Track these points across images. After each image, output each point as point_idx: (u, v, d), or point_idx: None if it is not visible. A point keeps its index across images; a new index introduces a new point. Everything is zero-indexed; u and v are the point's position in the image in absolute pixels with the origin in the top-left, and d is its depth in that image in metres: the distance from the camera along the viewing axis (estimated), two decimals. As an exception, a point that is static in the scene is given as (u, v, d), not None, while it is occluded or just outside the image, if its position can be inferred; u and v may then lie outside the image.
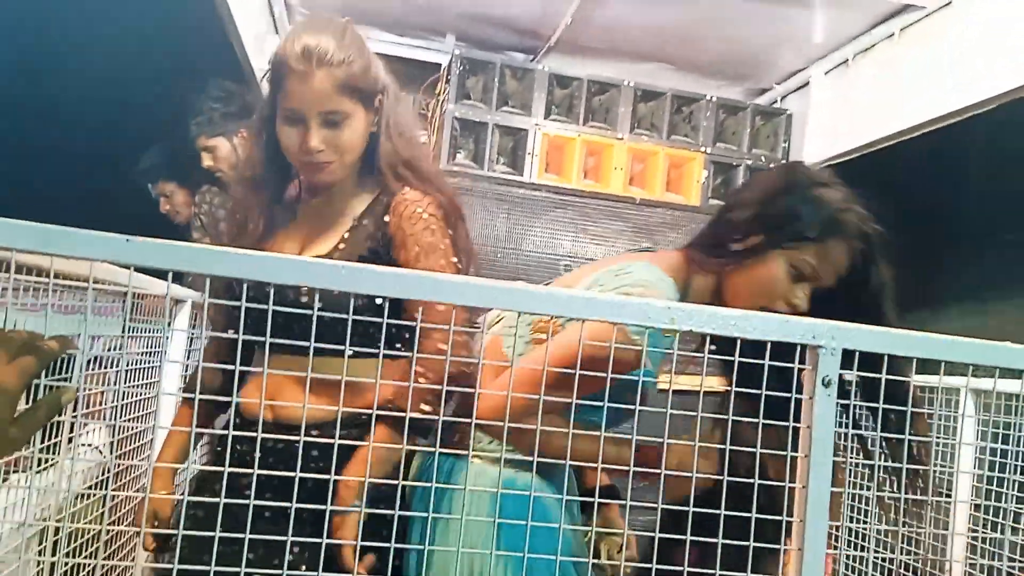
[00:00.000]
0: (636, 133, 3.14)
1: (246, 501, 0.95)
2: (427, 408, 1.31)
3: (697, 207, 3.14)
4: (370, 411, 1.27)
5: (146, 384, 2.08)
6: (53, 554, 1.61)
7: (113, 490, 1.89)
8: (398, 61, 3.49)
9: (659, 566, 1.04)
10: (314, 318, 0.97)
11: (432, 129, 3.26)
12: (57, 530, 1.64)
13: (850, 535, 2.46)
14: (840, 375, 1.03)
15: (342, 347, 0.95)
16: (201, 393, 1.40)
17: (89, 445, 2.06)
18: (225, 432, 1.36)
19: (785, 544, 1.02)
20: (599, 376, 1.02)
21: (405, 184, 1.47)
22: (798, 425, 1.03)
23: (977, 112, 2.41)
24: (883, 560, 2.23)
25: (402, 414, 1.23)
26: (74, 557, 1.72)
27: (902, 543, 1.32)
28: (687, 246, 1.53)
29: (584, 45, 3.21)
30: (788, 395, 1.04)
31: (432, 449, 1.34)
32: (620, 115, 3.12)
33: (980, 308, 4.84)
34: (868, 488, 1.63)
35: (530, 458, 1.26)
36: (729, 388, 1.10)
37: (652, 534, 1.18)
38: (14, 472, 1.45)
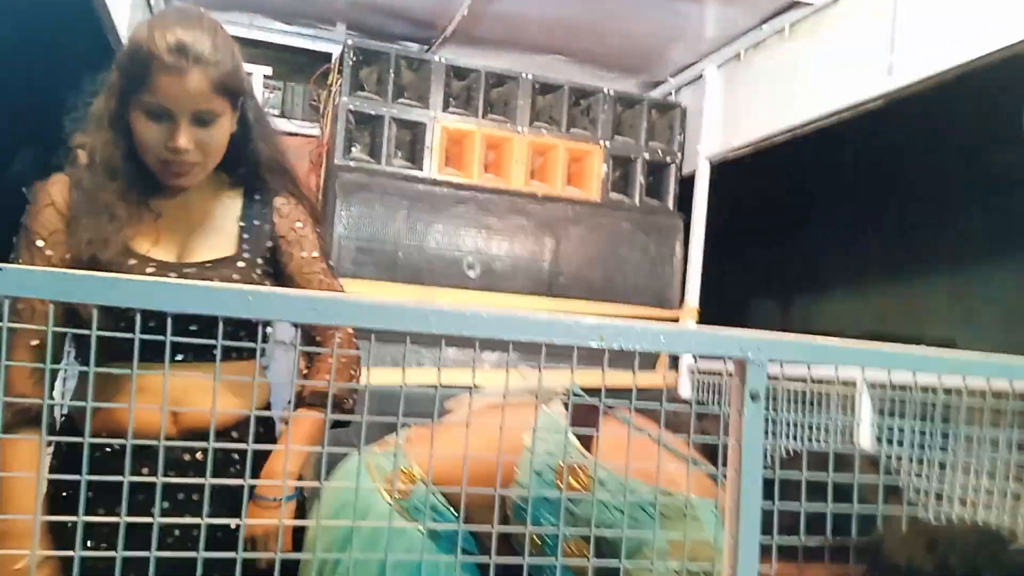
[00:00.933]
0: (535, 126, 3.10)
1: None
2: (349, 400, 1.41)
3: (598, 201, 3.14)
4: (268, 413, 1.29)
5: None
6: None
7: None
8: (286, 50, 3.35)
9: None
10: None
11: (324, 122, 3.13)
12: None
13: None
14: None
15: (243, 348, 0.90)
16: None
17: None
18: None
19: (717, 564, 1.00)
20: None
21: (280, 188, 1.49)
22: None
23: (867, 108, 2.49)
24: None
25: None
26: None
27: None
28: None
29: (480, 36, 3.15)
30: (716, 411, 1.02)
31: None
32: (519, 108, 3.07)
33: (859, 290, 5.08)
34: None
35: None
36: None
37: None
38: None
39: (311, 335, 1.42)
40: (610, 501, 1.27)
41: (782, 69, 2.82)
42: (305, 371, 1.47)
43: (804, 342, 1.04)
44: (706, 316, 3.20)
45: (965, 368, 1.11)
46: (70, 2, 2.11)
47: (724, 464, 1.01)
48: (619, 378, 1.03)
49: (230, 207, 1.46)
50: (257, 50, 3.23)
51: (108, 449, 1.20)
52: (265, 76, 3.10)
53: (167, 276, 1.32)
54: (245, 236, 1.44)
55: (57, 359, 1.33)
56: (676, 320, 3.14)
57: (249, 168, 1.46)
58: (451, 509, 1.32)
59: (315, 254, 1.48)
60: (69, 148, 1.41)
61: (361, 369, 1.46)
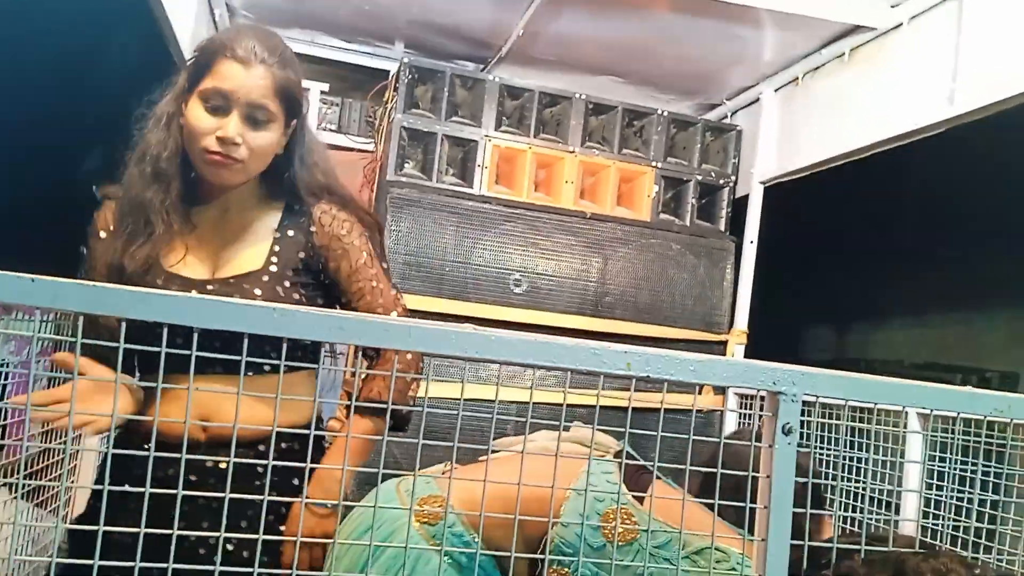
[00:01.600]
0: (587, 146, 3.10)
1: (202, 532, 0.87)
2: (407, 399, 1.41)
3: (648, 222, 3.11)
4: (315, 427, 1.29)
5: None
6: None
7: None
8: (345, 67, 3.42)
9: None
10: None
11: (379, 138, 3.18)
12: None
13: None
14: (801, 422, 0.99)
15: (277, 362, 0.89)
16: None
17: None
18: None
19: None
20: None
21: (326, 200, 1.49)
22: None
23: (925, 135, 2.43)
24: None
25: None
26: None
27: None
28: None
29: (535, 56, 3.17)
30: (748, 443, 1.00)
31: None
32: (571, 128, 3.07)
33: (919, 320, 4.95)
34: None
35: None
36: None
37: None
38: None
39: None
40: (660, 553, 1.25)
41: (840, 94, 2.78)
42: (364, 375, 1.47)
43: (840, 376, 1.01)
44: (757, 341, 3.15)
45: (1012, 409, 1.07)
46: (131, 16, 2.18)
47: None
48: (665, 398, 1.02)
49: (268, 219, 1.47)
50: (316, 66, 3.30)
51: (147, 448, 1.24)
52: (322, 92, 3.17)
53: (191, 293, 1.36)
54: (276, 248, 1.44)
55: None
56: (724, 344, 3.10)
57: (291, 188, 1.48)
58: (479, 540, 1.30)
59: (362, 261, 1.46)
60: (131, 150, 1.45)
61: (420, 371, 1.46)
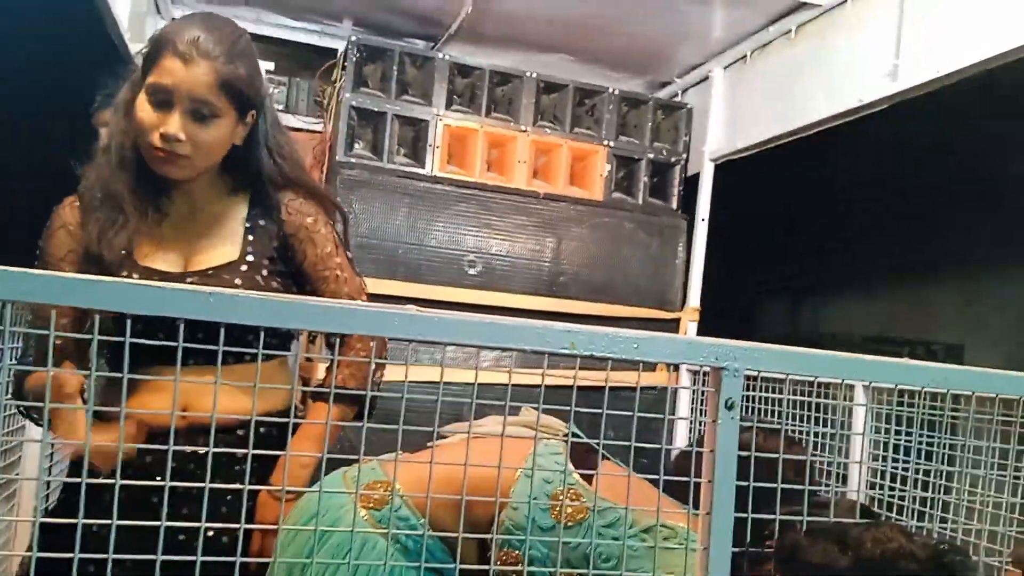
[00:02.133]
0: (539, 125, 3.09)
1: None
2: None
3: (600, 201, 3.12)
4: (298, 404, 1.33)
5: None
6: None
7: None
8: (292, 45, 3.35)
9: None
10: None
11: (328, 118, 3.13)
12: None
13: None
14: (743, 396, 1.00)
15: (253, 351, 0.91)
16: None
17: None
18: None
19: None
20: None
21: (291, 187, 1.49)
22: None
23: (870, 112, 2.46)
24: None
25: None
26: None
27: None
28: None
29: (486, 34, 3.14)
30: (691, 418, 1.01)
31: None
32: (523, 107, 3.06)
33: (869, 293, 5.05)
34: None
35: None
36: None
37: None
38: None
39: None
40: (608, 531, 1.26)
41: (788, 71, 2.80)
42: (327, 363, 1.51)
43: (781, 351, 1.02)
44: (711, 318, 3.19)
45: (948, 381, 1.09)
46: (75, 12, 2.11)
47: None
48: (620, 377, 1.03)
49: (236, 209, 1.47)
50: (263, 45, 3.23)
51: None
52: (267, 71, 3.10)
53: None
54: (250, 238, 1.44)
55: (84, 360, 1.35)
56: (677, 321, 3.12)
57: (257, 180, 1.47)
58: (426, 523, 1.30)
59: (327, 250, 1.48)
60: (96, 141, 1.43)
61: (385, 356, 1.50)
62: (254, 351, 0.87)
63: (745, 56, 3.03)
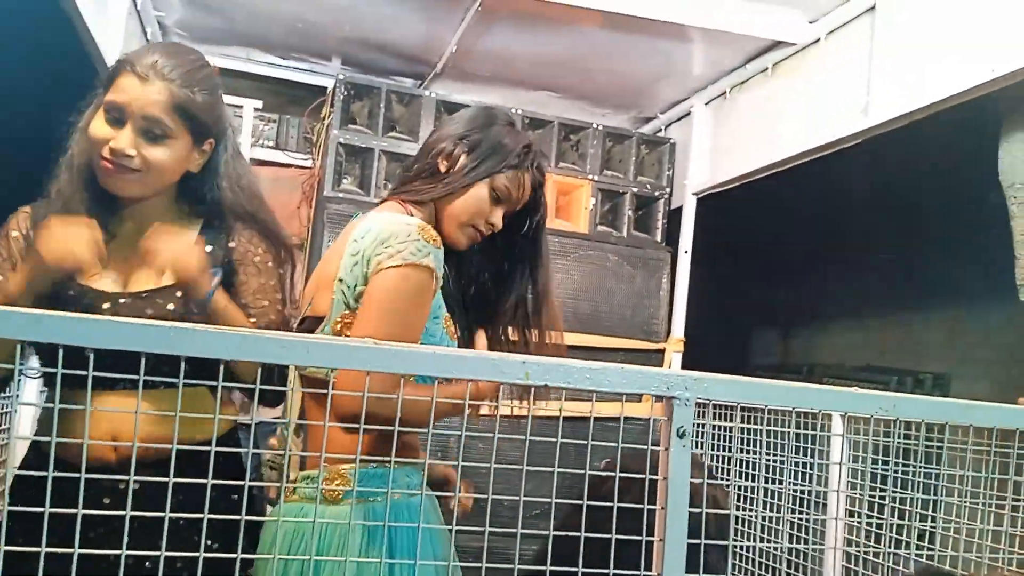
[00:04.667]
0: (524, 160, 3.14)
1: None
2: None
3: (586, 234, 3.16)
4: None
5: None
6: None
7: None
8: (282, 83, 3.43)
9: None
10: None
11: (317, 154, 3.19)
12: None
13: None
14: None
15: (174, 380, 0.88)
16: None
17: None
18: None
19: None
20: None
21: (248, 219, 1.51)
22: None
23: (847, 145, 2.52)
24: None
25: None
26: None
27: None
28: (393, 192, 1.64)
29: (471, 72, 3.21)
30: (644, 447, 1.04)
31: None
32: (508, 142, 3.11)
33: (859, 323, 5.08)
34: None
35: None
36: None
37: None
38: None
39: None
40: None
41: (766, 107, 2.86)
42: None
43: (733, 380, 1.06)
44: (698, 349, 3.22)
45: (897, 409, 1.12)
46: (60, 40, 2.17)
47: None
48: (608, 408, 1.07)
49: (184, 236, 1.46)
50: (252, 83, 3.31)
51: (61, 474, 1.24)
52: (256, 109, 3.17)
53: (103, 306, 1.36)
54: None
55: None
56: (662, 352, 3.16)
57: (213, 209, 1.48)
58: None
59: (272, 281, 1.48)
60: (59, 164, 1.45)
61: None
62: (173, 380, 0.88)
63: (725, 92, 3.09)
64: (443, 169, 1.56)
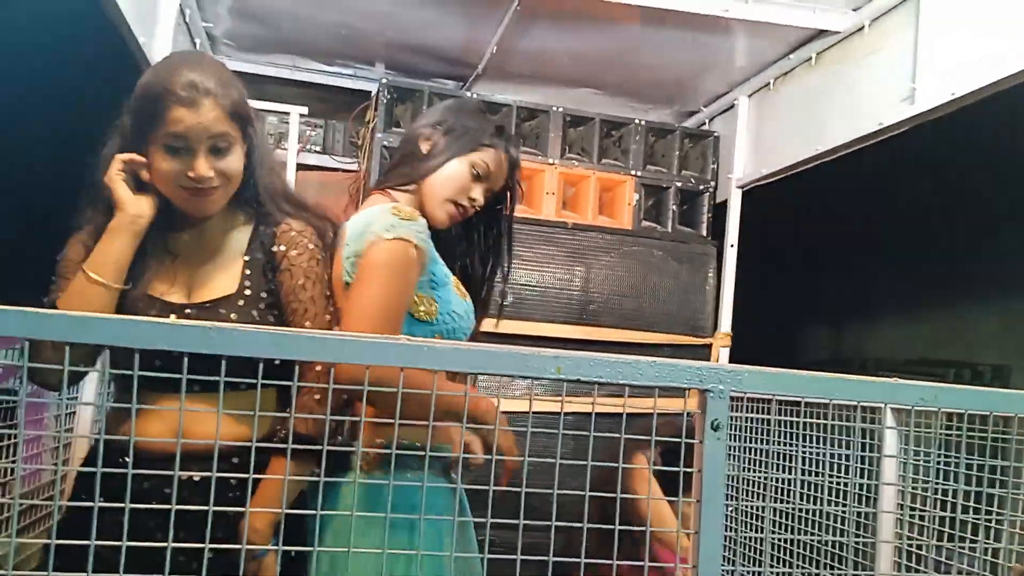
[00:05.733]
0: (567, 158, 3.15)
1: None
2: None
3: (629, 230, 3.16)
4: (272, 443, 1.32)
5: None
6: None
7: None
8: (327, 89, 3.49)
9: None
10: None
11: (362, 157, 3.24)
12: None
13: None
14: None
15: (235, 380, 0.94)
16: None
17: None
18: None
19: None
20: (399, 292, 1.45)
21: (286, 215, 1.52)
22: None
23: (894, 134, 2.47)
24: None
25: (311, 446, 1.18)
26: None
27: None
28: (378, 185, 1.73)
29: (512, 72, 3.23)
30: (678, 439, 1.05)
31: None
32: (550, 140, 3.13)
33: (911, 316, 4.97)
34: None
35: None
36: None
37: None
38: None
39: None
40: None
41: (810, 97, 2.83)
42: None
43: (768, 373, 1.06)
44: (745, 344, 3.19)
45: (938, 399, 1.11)
46: (113, 54, 2.23)
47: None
48: (643, 404, 1.09)
49: (238, 241, 1.50)
50: (298, 89, 3.38)
51: (122, 461, 1.30)
52: (302, 115, 3.23)
53: (170, 318, 1.40)
54: (247, 272, 1.47)
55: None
56: (709, 347, 3.14)
57: (255, 197, 1.50)
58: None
59: (300, 281, 1.47)
60: (94, 188, 1.48)
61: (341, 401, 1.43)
62: (250, 380, 0.92)
63: (769, 84, 3.06)
64: (424, 151, 1.66)
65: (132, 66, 2.30)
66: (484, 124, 1.70)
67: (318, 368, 1.35)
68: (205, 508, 1.01)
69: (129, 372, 0.90)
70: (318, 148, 3.41)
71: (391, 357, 0.94)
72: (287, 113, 3.17)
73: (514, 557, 0.99)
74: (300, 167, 3.28)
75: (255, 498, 1.34)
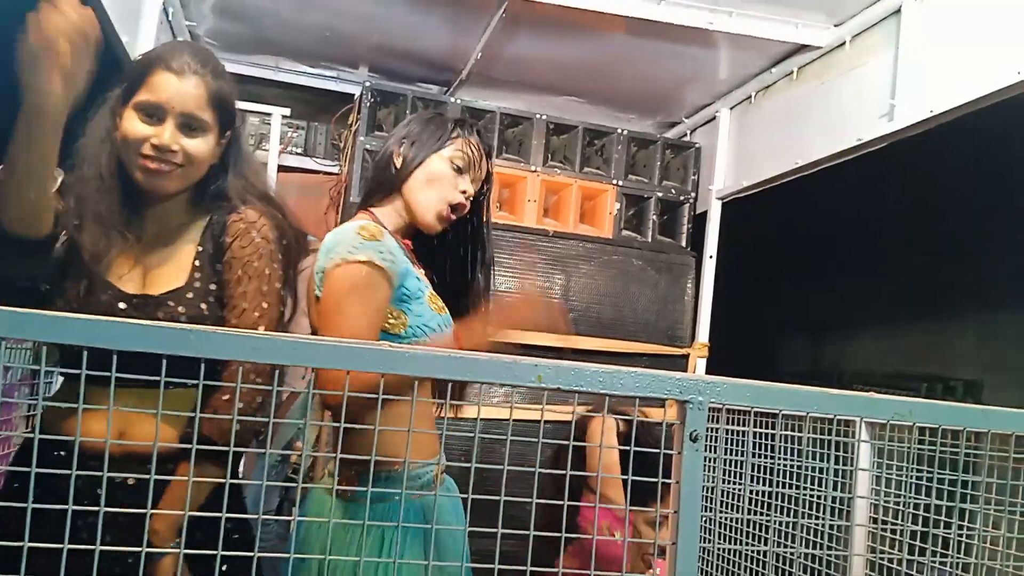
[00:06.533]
0: (549, 166, 3.16)
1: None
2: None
3: (610, 238, 3.17)
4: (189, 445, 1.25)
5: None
6: None
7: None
8: (310, 91, 3.47)
9: None
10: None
11: (344, 160, 3.23)
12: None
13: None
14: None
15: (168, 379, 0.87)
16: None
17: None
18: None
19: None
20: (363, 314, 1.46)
21: (243, 204, 1.48)
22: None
23: (873, 149, 2.50)
24: None
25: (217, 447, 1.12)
26: None
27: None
28: (361, 206, 1.74)
29: (496, 78, 3.23)
30: (657, 451, 1.05)
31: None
32: (533, 147, 3.13)
33: (888, 330, 5.02)
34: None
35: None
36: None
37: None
38: None
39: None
40: None
41: (790, 111, 2.85)
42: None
43: (747, 385, 1.06)
44: (724, 355, 3.21)
45: (913, 414, 1.12)
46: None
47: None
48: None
49: (193, 232, 1.48)
50: (281, 91, 3.36)
51: (60, 453, 1.28)
52: (284, 116, 3.21)
53: (119, 305, 1.39)
54: (197, 263, 1.45)
55: None
56: (686, 357, 3.15)
57: (218, 196, 1.49)
58: None
59: (238, 274, 1.43)
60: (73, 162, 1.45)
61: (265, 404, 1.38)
62: (191, 381, 0.90)
63: (750, 97, 3.09)
64: (397, 164, 1.67)
65: (112, 62, 2.27)
66: (444, 120, 1.71)
67: (232, 367, 1.32)
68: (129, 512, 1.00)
69: (78, 370, 0.86)
70: (299, 150, 3.40)
71: (371, 363, 0.94)
72: (269, 114, 3.16)
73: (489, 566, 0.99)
74: (281, 169, 3.27)
75: (164, 499, 1.32)
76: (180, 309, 1.41)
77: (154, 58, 1.41)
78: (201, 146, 1.42)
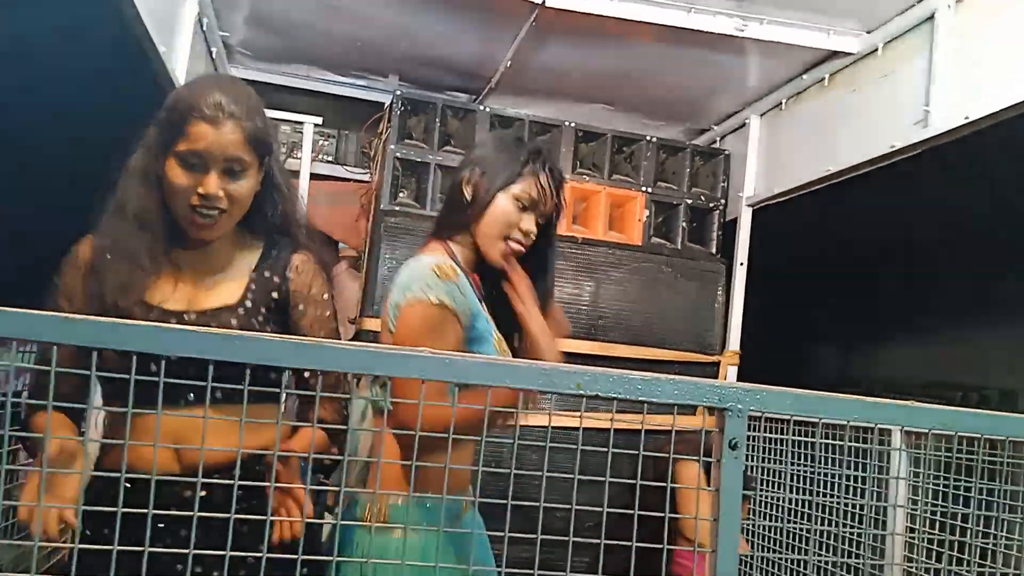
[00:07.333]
0: (578, 173, 3.16)
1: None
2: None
3: (639, 246, 3.17)
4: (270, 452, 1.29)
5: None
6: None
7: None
8: (341, 100, 3.51)
9: None
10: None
11: (374, 168, 3.25)
12: None
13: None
14: (747, 437, 1.04)
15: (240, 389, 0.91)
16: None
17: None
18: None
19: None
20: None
21: (299, 245, 1.56)
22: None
23: (906, 156, 2.48)
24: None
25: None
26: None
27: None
28: (433, 235, 1.73)
29: (525, 86, 3.24)
30: (696, 458, 1.05)
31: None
32: (562, 155, 3.14)
33: (921, 339, 4.96)
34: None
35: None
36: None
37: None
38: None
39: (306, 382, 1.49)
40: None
41: (822, 118, 2.84)
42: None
43: (783, 392, 1.06)
44: (755, 362, 3.19)
45: (957, 424, 1.11)
46: (131, 60, 2.25)
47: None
48: (661, 420, 1.09)
49: (246, 259, 1.53)
50: (312, 99, 3.40)
51: (127, 485, 1.28)
52: (316, 125, 3.24)
53: (171, 322, 1.41)
54: (252, 286, 1.50)
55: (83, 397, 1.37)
56: (717, 365, 3.13)
57: (269, 225, 1.54)
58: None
59: (327, 314, 1.55)
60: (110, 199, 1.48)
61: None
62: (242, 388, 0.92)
63: (781, 103, 3.07)
64: (469, 196, 1.66)
65: (149, 71, 2.31)
66: (518, 153, 1.68)
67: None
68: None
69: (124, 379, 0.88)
70: (330, 158, 3.43)
71: (413, 369, 0.95)
72: (301, 123, 3.19)
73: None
74: (312, 177, 3.30)
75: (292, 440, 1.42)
76: (232, 322, 1.45)
77: (188, 106, 1.41)
78: (244, 187, 1.45)
